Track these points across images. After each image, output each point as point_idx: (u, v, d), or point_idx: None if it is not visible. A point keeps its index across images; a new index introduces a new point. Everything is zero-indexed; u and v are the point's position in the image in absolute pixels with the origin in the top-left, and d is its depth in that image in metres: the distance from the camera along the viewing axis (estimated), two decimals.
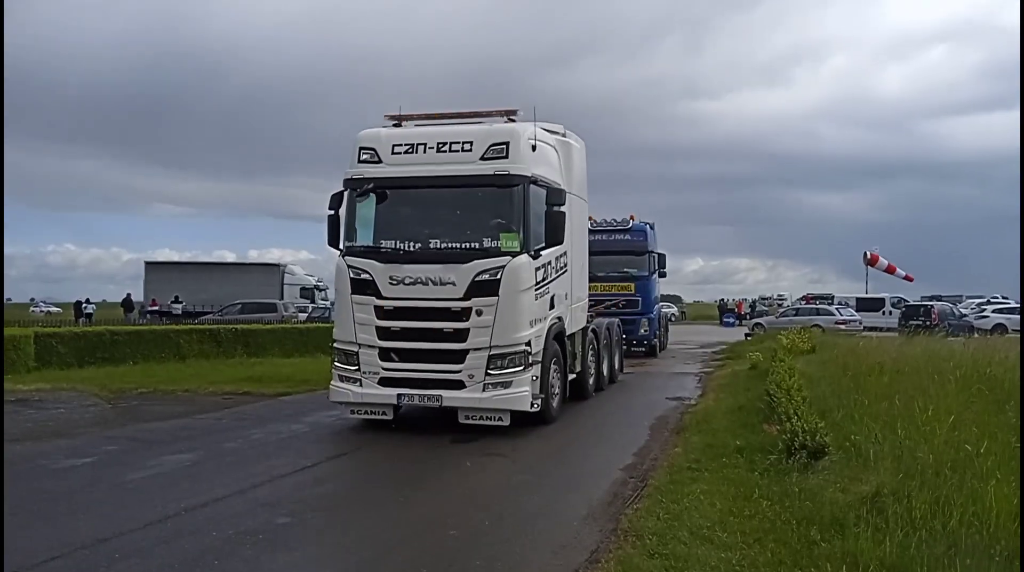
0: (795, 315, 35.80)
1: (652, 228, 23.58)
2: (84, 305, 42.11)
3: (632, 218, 22.79)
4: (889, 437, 7.61)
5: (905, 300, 42.93)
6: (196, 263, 47.86)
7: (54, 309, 67.35)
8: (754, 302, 64.78)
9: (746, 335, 33.41)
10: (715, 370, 19.61)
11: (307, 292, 43.17)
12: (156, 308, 39.49)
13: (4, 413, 12.27)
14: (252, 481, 7.81)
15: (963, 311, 39.40)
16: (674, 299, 69.01)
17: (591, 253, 20.15)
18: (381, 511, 6.80)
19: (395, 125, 10.85)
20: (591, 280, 20.23)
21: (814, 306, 39.97)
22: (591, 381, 13.74)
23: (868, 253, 52.98)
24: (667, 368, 20.61)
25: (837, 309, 37.51)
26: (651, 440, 10.05)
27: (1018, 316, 36.18)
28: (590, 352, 13.69)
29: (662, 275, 24.05)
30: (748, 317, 47.93)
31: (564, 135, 12.43)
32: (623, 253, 22.24)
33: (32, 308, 72.28)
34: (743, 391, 13.54)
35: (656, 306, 23.90)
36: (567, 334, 11.71)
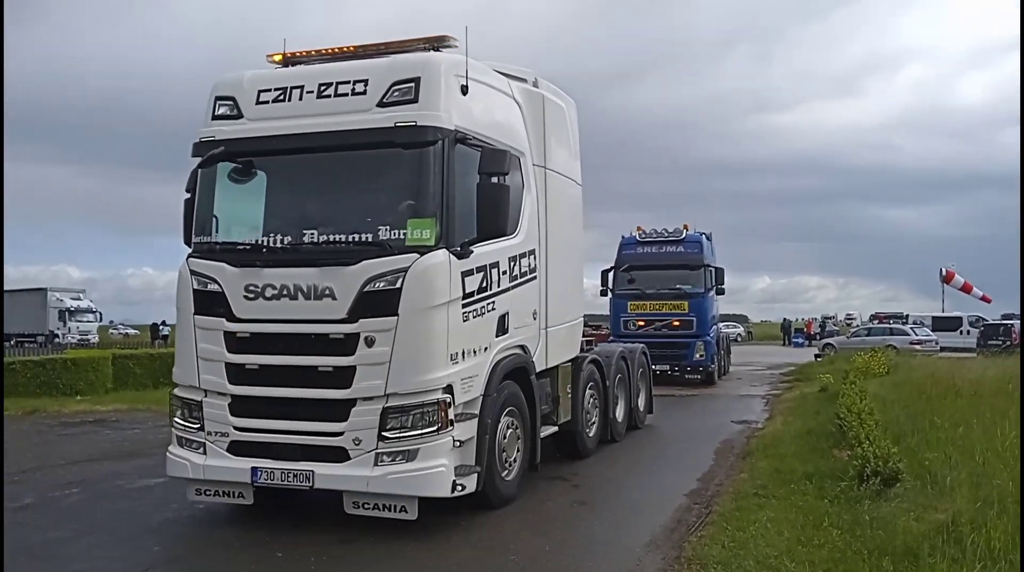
0: (867, 335, 34.74)
1: (709, 239, 21.68)
2: (160, 327, 43.58)
3: (686, 227, 20.78)
4: (967, 463, 7.32)
5: (984, 319, 41.29)
6: None
7: (132, 331, 69.77)
8: (824, 321, 63.04)
9: (816, 356, 32.57)
10: (783, 392, 19.17)
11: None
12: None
13: (83, 432, 12.76)
14: None
15: None
16: (740, 319, 67.88)
17: (636, 267, 20.64)
18: (446, 532, 6.80)
19: (283, 67, 7.66)
20: (638, 298, 20.58)
21: (887, 326, 38.79)
22: (591, 433, 10.30)
23: (944, 270, 51.25)
24: (733, 390, 20.21)
25: (912, 328, 36.31)
26: (716, 465, 9.86)
27: None
28: (589, 394, 10.24)
29: (720, 292, 21.64)
30: (818, 337, 46.76)
31: (535, 85, 8.91)
32: (675, 267, 20.46)
33: (111, 330, 75.09)
34: (812, 414, 13.19)
35: (714, 326, 21.62)
36: (540, 369, 8.44)
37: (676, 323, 20.14)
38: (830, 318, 68.25)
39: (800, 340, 51.66)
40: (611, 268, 20.96)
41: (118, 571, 5.82)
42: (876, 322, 45.39)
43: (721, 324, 27.71)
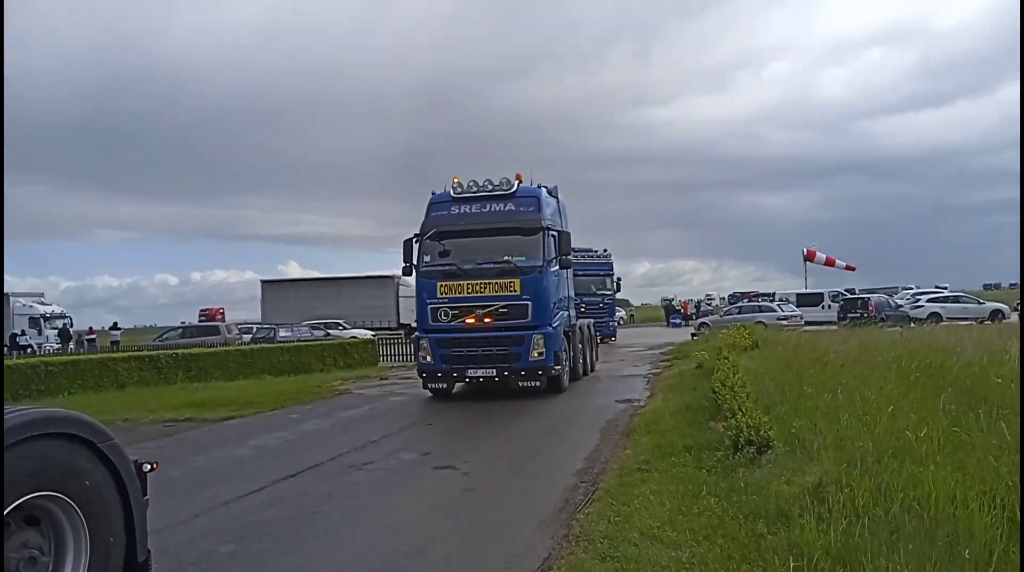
0: (739, 313, 36.48)
1: (553, 194, 16.22)
2: (18, 336, 40.62)
3: (519, 178, 15.28)
4: (832, 428, 7.74)
5: (844, 294, 44.01)
6: (311, 280, 49.56)
7: None
8: (699, 302, 65.73)
9: (692, 335, 33.87)
10: (663, 371, 19.78)
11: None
12: (93, 337, 38.42)
13: None
14: (193, 511, 7.57)
15: (899, 302, 40.57)
16: (623, 303, 69.62)
17: (448, 233, 15.08)
18: (338, 530, 6.64)
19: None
20: (451, 276, 14.92)
21: (756, 304, 40.77)
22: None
23: (805, 250, 54.37)
24: (607, 382, 20.70)
25: (779, 305, 38.29)
26: (601, 443, 10.06)
27: (951, 304, 37.47)
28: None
29: (565, 265, 15.87)
30: (694, 317, 48.62)
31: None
32: (503, 232, 14.96)
33: None
34: (690, 390, 13.68)
35: (562, 313, 15.94)
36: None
37: (504, 309, 14.66)
38: (704, 300, 71.19)
39: (678, 320, 53.59)
40: (415, 236, 15.38)
41: None
42: (744, 301, 47.63)
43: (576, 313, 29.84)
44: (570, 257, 15.84)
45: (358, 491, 8.08)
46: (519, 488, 8.02)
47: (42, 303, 42.86)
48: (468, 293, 14.88)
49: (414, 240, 15.31)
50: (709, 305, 63.65)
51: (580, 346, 17.93)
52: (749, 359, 15.64)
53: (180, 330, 35.12)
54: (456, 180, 15.45)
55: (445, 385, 15.51)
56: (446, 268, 15.08)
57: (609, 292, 34.26)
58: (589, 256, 32.66)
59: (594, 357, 20.27)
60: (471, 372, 14.87)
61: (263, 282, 46.94)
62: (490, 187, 15.27)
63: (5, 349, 35.56)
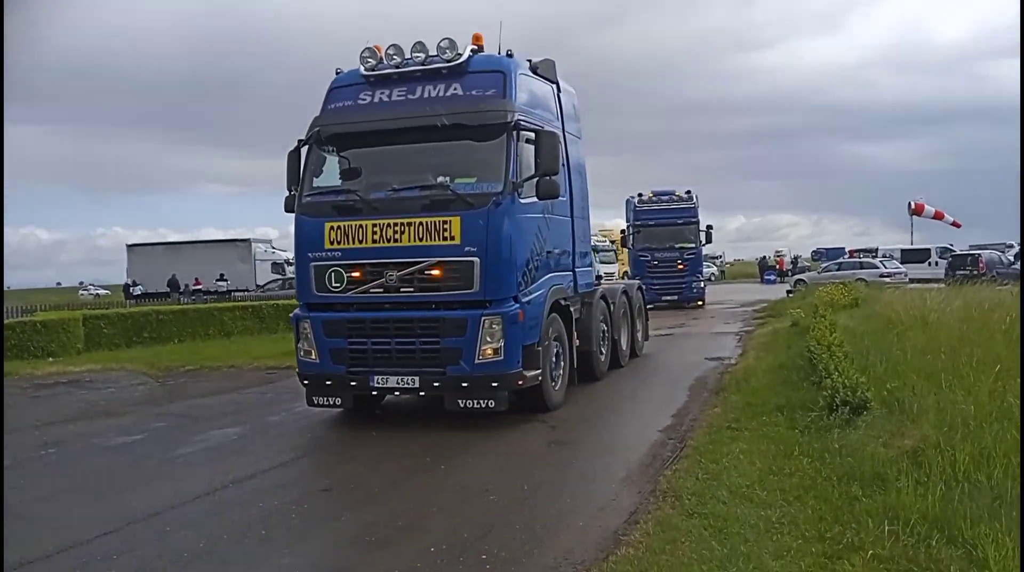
0: (838, 270, 35.18)
1: (543, 75, 10.05)
2: (132, 287, 42.98)
3: (477, 42, 9.11)
4: (932, 390, 7.48)
5: (952, 249, 41.90)
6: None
7: (103, 291, 68.89)
8: (796, 258, 63.59)
9: (788, 292, 32.96)
10: (756, 329, 19.40)
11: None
12: (200, 287, 40.15)
13: (56, 394, 12.66)
14: (296, 453, 7.99)
15: (1011, 258, 38.34)
16: (714, 258, 68.10)
17: (351, 138, 8.89)
18: (423, 477, 6.88)
19: None
20: (348, 211, 8.76)
21: (857, 260, 39.23)
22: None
23: (912, 203, 51.81)
24: (703, 330, 20.40)
25: (881, 262, 36.79)
26: (690, 401, 10.01)
27: None
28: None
29: (547, 193, 8.96)
30: (790, 273, 47.26)
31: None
32: (438, 133, 8.65)
33: (81, 291, 74.10)
34: (784, 349, 13.39)
35: (552, 279, 9.63)
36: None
37: (436, 273, 8.56)
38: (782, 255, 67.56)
39: (772, 277, 52.17)
40: (300, 142, 9.30)
41: (97, 527, 5.82)
42: (823, 259, 45.77)
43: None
44: (556, 180, 8.96)
45: (446, 440, 8.30)
46: (605, 443, 8.10)
47: (277, 249, 44.70)
48: (374, 242, 8.60)
49: (300, 149, 9.25)
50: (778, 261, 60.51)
51: (607, 323, 12.08)
52: (847, 317, 15.16)
53: (280, 282, 36.28)
54: (379, 51, 9.08)
55: (339, 400, 9.05)
56: (340, 198, 8.97)
57: (691, 245, 27.29)
58: (666, 200, 27.69)
59: (638, 335, 14.33)
60: (378, 380, 8.68)
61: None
62: (422, 58, 8.91)
63: (179, 296, 37.65)
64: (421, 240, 8.47)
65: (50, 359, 16.77)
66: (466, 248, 8.35)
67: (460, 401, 8.49)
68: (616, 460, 7.20)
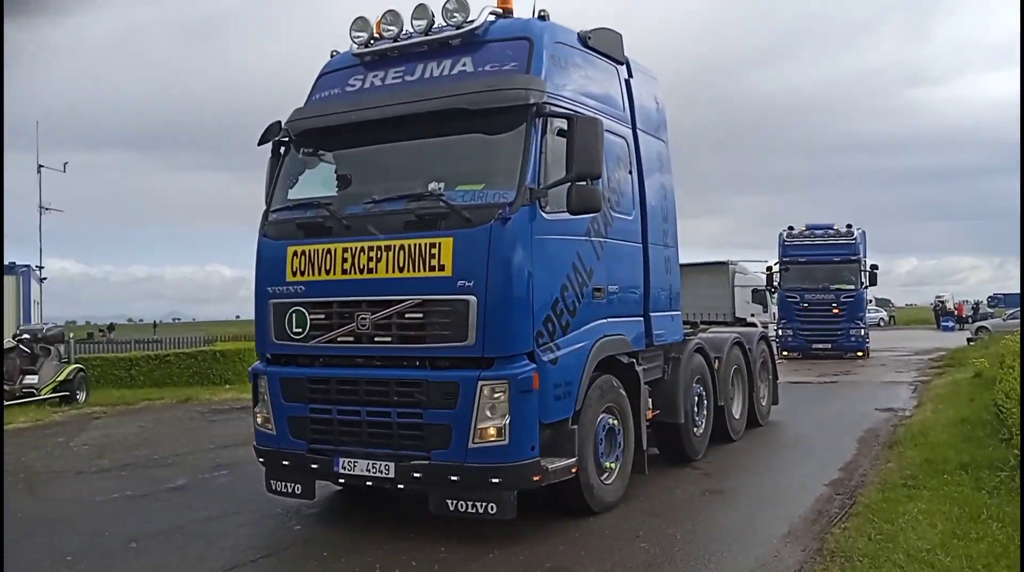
0: None
1: (594, 49, 7.19)
2: None
3: (504, 5, 6.77)
4: None
5: None
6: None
7: None
8: (976, 304, 58.53)
9: (968, 340, 30.39)
10: (932, 378, 17.99)
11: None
12: None
13: (231, 419, 13.50)
14: None
15: None
16: (883, 303, 64.15)
17: (333, 135, 6.47)
18: (571, 519, 6.74)
19: None
20: (314, 232, 6.43)
21: None
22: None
23: None
24: (866, 383, 19.11)
25: None
26: (859, 454, 9.34)
27: None
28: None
29: (581, 205, 6.35)
30: (970, 320, 43.68)
31: None
32: (437, 123, 6.46)
33: None
34: (966, 401, 12.30)
35: (600, 325, 6.84)
36: None
37: (420, 317, 6.09)
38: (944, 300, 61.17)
39: (950, 323, 48.37)
40: (273, 141, 7.20)
41: (261, 549, 6.08)
42: (1001, 305, 41.59)
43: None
44: (595, 187, 6.18)
45: None
46: (765, 495, 7.67)
47: None
48: (343, 273, 6.38)
49: (279, 149, 7.20)
50: (942, 305, 54.64)
51: (707, 384, 9.31)
52: None
53: None
54: (378, 25, 6.90)
55: (299, 488, 6.68)
56: (308, 214, 6.74)
57: (850, 287, 23.81)
58: (821, 234, 24.29)
59: (760, 400, 11.33)
60: (344, 464, 6.30)
61: None
62: (423, 26, 6.67)
63: None
64: (402, 270, 6.09)
65: (227, 386, 18.04)
66: (459, 282, 5.89)
67: (449, 502, 5.94)
68: (777, 514, 6.78)
